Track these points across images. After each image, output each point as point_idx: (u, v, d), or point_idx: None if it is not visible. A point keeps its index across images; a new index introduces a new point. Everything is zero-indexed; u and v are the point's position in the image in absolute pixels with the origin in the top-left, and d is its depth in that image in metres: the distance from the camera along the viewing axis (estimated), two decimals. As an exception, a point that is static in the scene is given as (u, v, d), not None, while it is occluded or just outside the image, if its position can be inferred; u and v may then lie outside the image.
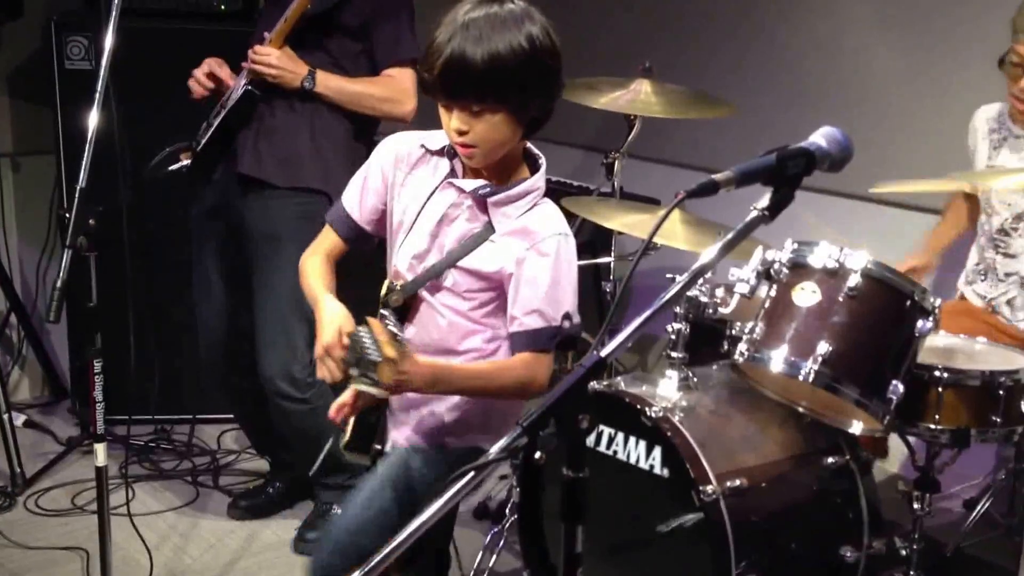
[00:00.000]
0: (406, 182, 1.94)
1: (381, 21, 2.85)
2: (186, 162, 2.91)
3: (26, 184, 3.88)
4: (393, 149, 1.96)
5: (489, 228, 1.86)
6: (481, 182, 1.88)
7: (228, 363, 3.10)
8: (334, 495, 2.93)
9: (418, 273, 1.91)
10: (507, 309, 1.87)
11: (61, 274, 2.10)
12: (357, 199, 1.98)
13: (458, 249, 1.87)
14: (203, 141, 2.89)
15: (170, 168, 2.89)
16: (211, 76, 2.89)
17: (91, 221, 2.15)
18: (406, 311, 1.92)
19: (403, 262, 1.93)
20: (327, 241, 2.01)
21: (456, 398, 1.92)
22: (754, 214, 1.41)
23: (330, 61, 2.85)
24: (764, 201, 1.42)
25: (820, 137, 1.48)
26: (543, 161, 1.92)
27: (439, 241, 1.90)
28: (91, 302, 2.20)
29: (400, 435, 1.98)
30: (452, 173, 1.90)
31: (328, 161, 2.89)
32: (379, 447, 1.97)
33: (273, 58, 2.77)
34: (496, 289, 1.89)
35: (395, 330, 1.83)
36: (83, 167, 2.18)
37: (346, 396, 1.89)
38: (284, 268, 2.76)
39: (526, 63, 1.73)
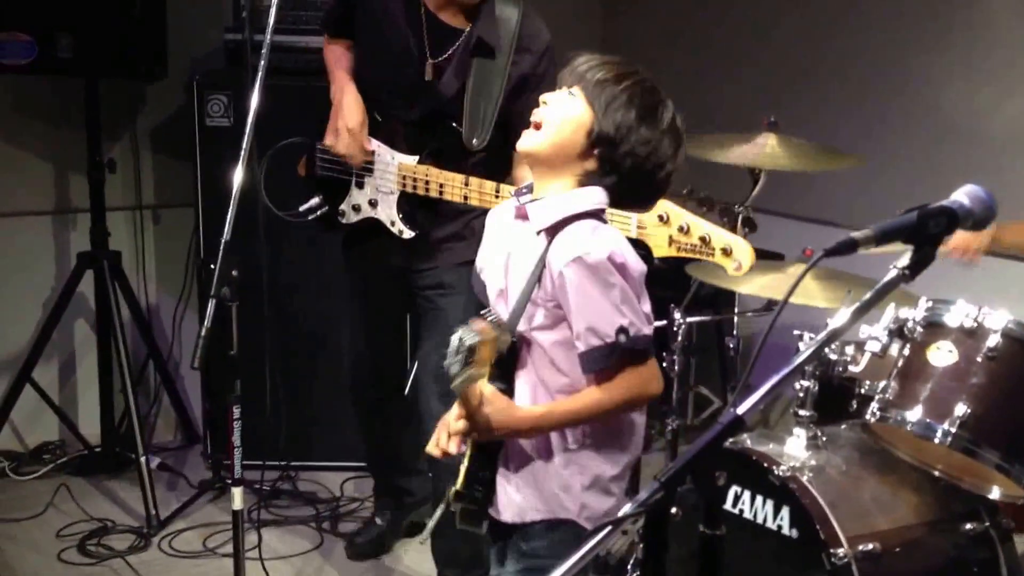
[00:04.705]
0: (494, 235, 2.00)
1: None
2: (323, 207, 2.91)
3: (165, 235, 4.06)
4: (491, 214, 2.04)
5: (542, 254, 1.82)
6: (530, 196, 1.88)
7: (375, 382, 3.14)
8: None
9: (509, 311, 1.87)
10: None
11: (206, 323, 2.18)
12: (480, 264, 2.04)
13: (530, 280, 1.84)
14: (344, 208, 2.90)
15: (310, 217, 2.90)
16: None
17: (234, 272, 2.24)
18: (515, 354, 1.87)
19: (494, 303, 1.94)
20: None
21: (565, 455, 1.87)
22: (894, 273, 1.38)
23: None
24: (904, 260, 1.38)
25: (963, 195, 1.44)
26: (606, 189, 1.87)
27: (511, 277, 1.90)
28: (232, 350, 2.28)
29: (514, 502, 1.92)
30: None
31: None
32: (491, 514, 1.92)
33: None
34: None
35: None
36: (228, 221, 2.27)
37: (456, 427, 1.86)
38: (451, 315, 2.76)
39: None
